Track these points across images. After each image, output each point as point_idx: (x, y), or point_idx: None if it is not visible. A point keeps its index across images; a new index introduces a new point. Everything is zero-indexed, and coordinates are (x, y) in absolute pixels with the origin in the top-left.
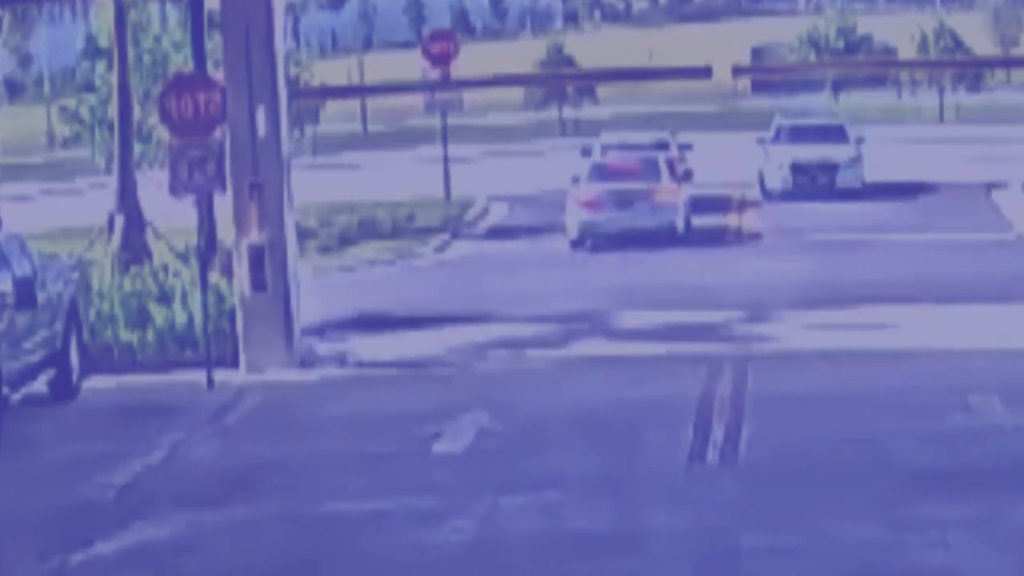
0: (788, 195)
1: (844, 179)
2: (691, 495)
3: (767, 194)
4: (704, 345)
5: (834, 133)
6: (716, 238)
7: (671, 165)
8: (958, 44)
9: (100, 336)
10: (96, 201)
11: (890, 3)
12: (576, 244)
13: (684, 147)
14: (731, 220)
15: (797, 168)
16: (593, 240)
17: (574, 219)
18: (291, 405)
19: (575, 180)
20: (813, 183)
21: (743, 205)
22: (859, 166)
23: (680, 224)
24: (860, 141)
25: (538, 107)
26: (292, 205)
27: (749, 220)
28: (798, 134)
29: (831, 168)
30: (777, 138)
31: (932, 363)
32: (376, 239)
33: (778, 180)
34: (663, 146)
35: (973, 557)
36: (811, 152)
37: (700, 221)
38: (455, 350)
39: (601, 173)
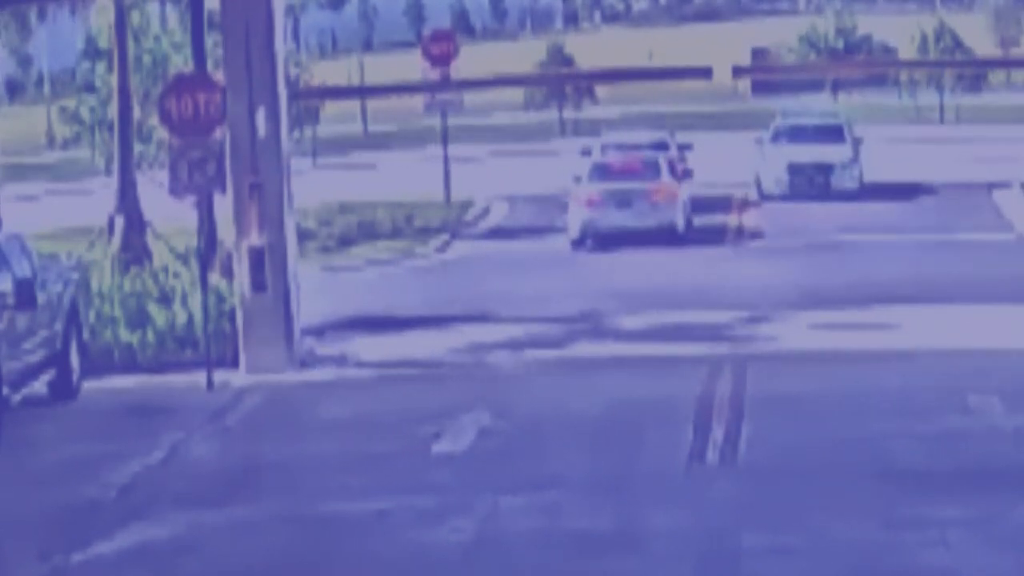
0: (784, 196)
1: (840, 180)
2: (691, 495)
3: (764, 196)
4: (704, 345)
5: (831, 133)
6: (716, 237)
7: (671, 165)
8: (958, 44)
9: (100, 337)
10: (94, 202)
11: (889, 3)
12: (577, 243)
13: (684, 147)
14: (731, 220)
15: (793, 169)
16: (594, 239)
17: (575, 218)
18: (291, 405)
19: (577, 179)
20: (809, 184)
21: (743, 205)
22: (856, 167)
23: (680, 223)
24: (858, 141)
25: (538, 107)
26: (292, 206)
27: (749, 220)
28: (795, 134)
29: (827, 169)
30: (774, 138)
31: (932, 363)
32: (376, 240)
33: (773, 181)
34: (662, 146)
35: (972, 557)
36: (807, 153)
37: (700, 220)
38: (455, 350)
39: (602, 173)
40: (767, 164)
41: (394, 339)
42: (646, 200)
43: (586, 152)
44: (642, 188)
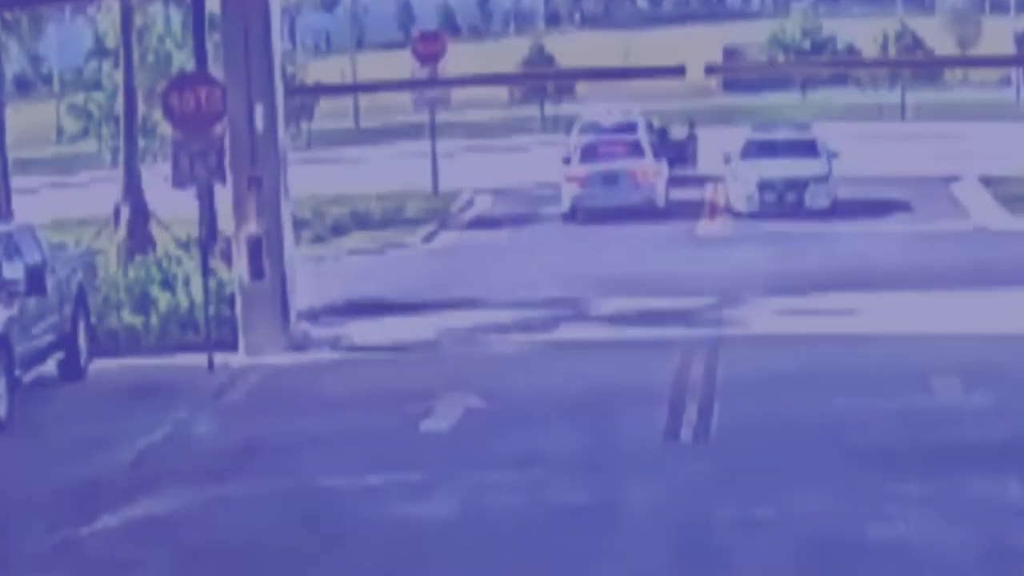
0: (754, 214)
1: (814, 197)
2: (666, 471)
3: (734, 214)
4: (678, 329)
5: (804, 148)
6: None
7: (653, 146)
8: (918, 45)
9: (107, 320)
10: (100, 193)
11: (853, 4)
12: (568, 217)
13: (692, 137)
14: (706, 195)
15: (763, 186)
16: (583, 213)
17: (566, 195)
18: (287, 385)
19: (566, 160)
20: (780, 202)
21: (715, 182)
22: (830, 182)
23: (660, 201)
24: (832, 156)
25: (519, 104)
26: (288, 197)
27: (719, 196)
28: (766, 150)
29: (800, 185)
30: (744, 154)
31: (896, 347)
32: (367, 229)
33: (744, 198)
34: (631, 128)
35: (931, 530)
36: (779, 168)
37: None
38: (442, 333)
39: (591, 154)
40: (737, 181)
41: (384, 323)
42: (630, 179)
43: (567, 130)
44: (626, 168)
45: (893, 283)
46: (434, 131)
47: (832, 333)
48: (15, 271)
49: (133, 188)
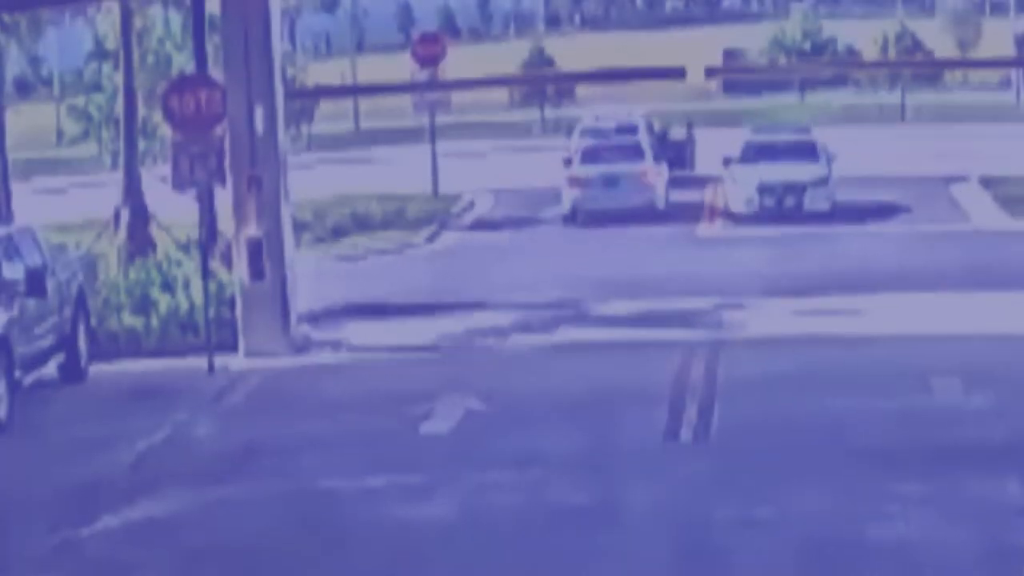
0: (754, 218)
1: (813, 200)
2: (666, 471)
3: (733, 216)
4: (679, 330)
5: (803, 151)
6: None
7: (653, 148)
8: (918, 47)
9: (107, 323)
10: (101, 195)
11: (853, 5)
12: (568, 219)
13: (691, 139)
14: (705, 197)
15: (763, 189)
16: (583, 215)
17: (567, 197)
18: (287, 388)
19: (567, 162)
20: (780, 205)
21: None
22: (830, 186)
23: (660, 203)
24: (831, 159)
25: (519, 106)
26: (288, 199)
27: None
28: (765, 153)
29: (799, 189)
30: (744, 157)
31: (896, 347)
32: (368, 231)
33: (743, 202)
34: (632, 129)
35: (931, 530)
36: (778, 172)
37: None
38: (443, 335)
39: (591, 156)
40: (736, 184)
41: (385, 325)
42: (630, 181)
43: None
44: (627, 170)
45: (893, 284)
46: (434, 133)
47: (832, 334)
48: (15, 273)
49: (133, 190)
